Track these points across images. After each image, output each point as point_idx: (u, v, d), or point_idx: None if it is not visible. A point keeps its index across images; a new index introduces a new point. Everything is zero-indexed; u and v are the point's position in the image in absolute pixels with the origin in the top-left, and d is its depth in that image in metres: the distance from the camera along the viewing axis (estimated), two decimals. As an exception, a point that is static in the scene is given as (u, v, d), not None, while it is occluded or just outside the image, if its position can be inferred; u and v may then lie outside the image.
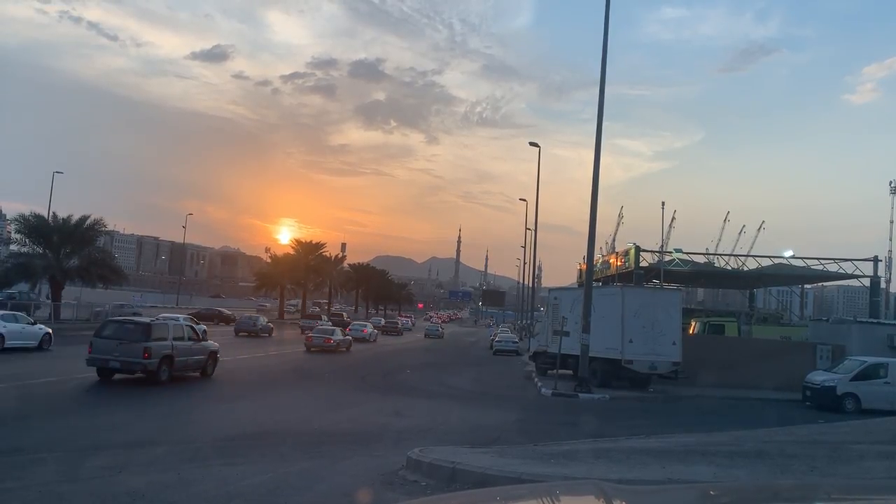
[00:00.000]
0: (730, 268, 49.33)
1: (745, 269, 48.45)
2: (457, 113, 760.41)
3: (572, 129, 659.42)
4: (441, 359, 39.25)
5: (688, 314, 38.49)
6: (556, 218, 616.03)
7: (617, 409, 20.29)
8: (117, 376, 18.22)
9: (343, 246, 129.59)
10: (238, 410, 15.99)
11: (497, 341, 48.94)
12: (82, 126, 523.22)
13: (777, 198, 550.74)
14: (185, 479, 8.60)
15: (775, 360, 27.00)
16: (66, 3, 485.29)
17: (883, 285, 56.59)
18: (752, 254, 60.54)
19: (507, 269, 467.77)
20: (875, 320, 37.23)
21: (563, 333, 22.74)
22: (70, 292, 43.27)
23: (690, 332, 35.47)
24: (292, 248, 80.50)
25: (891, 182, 79.31)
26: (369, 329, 49.18)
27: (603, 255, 63.31)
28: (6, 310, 28.23)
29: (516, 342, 48.92)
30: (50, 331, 26.64)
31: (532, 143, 46.04)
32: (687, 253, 48.85)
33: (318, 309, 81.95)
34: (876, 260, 44.22)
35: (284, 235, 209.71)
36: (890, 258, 76.67)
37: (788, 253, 49.09)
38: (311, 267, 75.88)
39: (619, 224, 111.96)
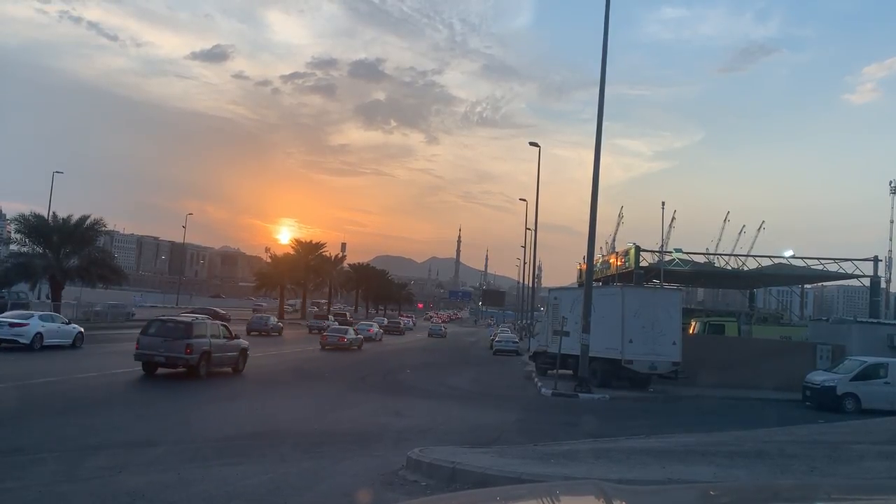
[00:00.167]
0: (730, 268, 49.33)
1: (745, 269, 48.44)
2: (457, 113, 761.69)
3: (572, 129, 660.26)
4: (441, 358, 39.28)
5: (688, 314, 38.48)
6: (556, 218, 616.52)
7: (617, 409, 20.29)
8: (160, 371, 19.87)
9: (343, 246, 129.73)
10: (271, 406, 17.06)
11: (497, 341, 48.92)
12: (82, 126, 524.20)
13: (777, 198, 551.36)
14: (217, 475, 8.63)
15: (775, 360, 27.00)
16: (66, 3, 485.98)
17: (883, 285, 56.57)
18: (752, 254, 60.61)
19: (507, 269, 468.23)
20: (875, 320, 37.26)
21: (563, 333, 22.74)
22: (70, 292, 43.26)
23: (690, 332, 35.45)
24: (292, 248, 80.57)
25: (891, 182, 79.51)
26: (375, 329, 51.79)
27: (603, 255, 63.31)
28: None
29: (516, 342, 48.91)
30: (82, 330, 28.04)
31: (532, 143, 46.08)
32: (687, 253, 48.86)
33: (316, 309, 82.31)
34: (876, 260, 44.23)
35: (284, 235, 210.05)
36: (890, 258, 76.76)
37: (788, 253, 49.13)
38: (311, 267, 75.92)
39: (619, 224, 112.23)
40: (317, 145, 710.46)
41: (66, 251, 40.85)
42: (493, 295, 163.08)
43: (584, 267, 31.32)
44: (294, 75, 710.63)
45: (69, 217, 41.68)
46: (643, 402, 22.48)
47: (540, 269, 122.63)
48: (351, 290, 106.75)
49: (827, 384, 22.15)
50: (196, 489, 8.17)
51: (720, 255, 59.16)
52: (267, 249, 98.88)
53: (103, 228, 44.37)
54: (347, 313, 77.54)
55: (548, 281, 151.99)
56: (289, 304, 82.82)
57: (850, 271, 43.65)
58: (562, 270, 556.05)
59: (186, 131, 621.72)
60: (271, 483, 8.70)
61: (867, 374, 22.13)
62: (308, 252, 77.97)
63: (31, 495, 7.74)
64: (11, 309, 33.42)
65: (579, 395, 21.61)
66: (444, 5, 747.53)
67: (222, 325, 22.89)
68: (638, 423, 16.73)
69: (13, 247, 45.37)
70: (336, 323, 50.09)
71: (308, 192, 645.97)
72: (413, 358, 37.68)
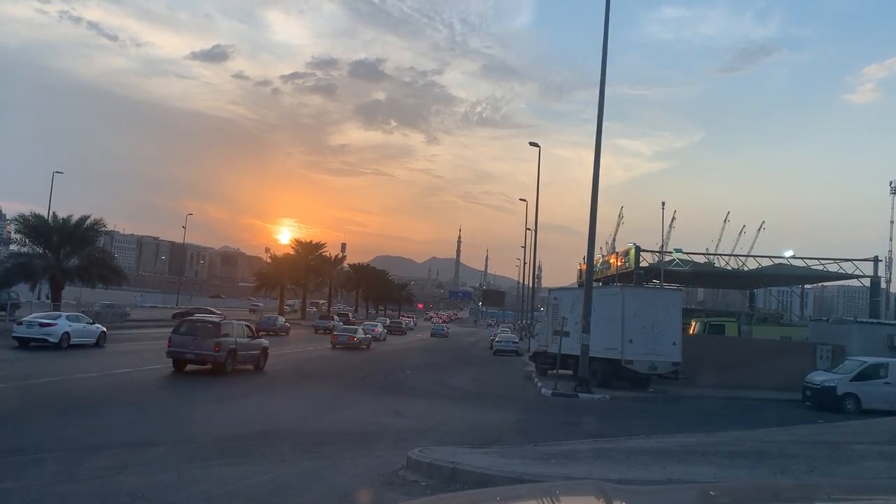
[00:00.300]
0: (730, 268, 49.33)
1: (745, 269, 48.44)
2: (457, 113, 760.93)
3: (572, 129, 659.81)
4: (442, 358, 39.41)
5: (688, 314, 38.48)
6: (556, 218, 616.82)
7: (617, 410, 20.29)
8: (189, 367, 21.36)
9: (343, 246, 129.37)
10: (291, 402, 18.38)
11: (497, 341, 48.95)
12: (82, 126, 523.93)
13: (777, 198, 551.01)
14: (217, 475, 8.62)
15: (775, 360, 27.01)
16: (66, 3, 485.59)
17: (883, 285, 56.53)
18: (752, 254, 60.60)
19: (507, 269, 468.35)
20: (875, 320, 37.25)
21: (563, 333, 22.75)
22: (70, 292, 43.25)
23: (690, 332, 35.46)
24: (292, 248, 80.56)
25: (891, 182, 79.39)
26: (380, 329, 52.93)
27: (603, 255, 63.32)
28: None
29: (516, 342, 48.93)
30: (104, 329, 29.27)
31: (532, 143, 46.11)
32: (687, 253, 48.87)
33: (315, 309, 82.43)
34: (876, 260, 44.24)
35: (284, 235, 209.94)
36: (890, 258, 76.69)
37: (788, 253, 49.12)
38: (311, 267, 75.90)
39: (619, 224, 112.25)
40: (317, 145, 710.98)
41: (66, 251, 40.82)
42: (493, 295, 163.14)
43: (584, 267, 31.32)
44: (294, 75, 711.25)
45: (69, 217, 41.67)
46: (643, 403, 22.48)
47: (540, 269, 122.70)
48: (351, 291, 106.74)
49: (827, 384, 22.15)
50: (207, 486, 8.19)
51: (720, 255, 59.19)
52: (267, 249, 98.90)
53: (103, 228, 44.35)
54: (349, 314, 78.19)
55: (548, 281, 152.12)
56: (287, 305, 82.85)
57: (850, 271, 43.66)
58: (562, 270, 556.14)
59: (186, 131, 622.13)
60: (271, 483, 8.70)
61: (867, 374, 22.13)
62: (308, 252, 77.95)
63: (83, 488, 7.77)
64: (5, 309, 33.47)
65: (579, 395, 21.61)
66: (444, 5, 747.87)
67: (246, 325, 24.28)
68: (638, 423, 16.73)
69: (13, 247, 45.39)
70: (341, 323, 52.35)
71: (308, 192, 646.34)
72: (417, 357, 38.36)
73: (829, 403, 21.68)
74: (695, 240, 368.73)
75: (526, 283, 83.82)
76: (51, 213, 43.68)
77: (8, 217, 71.40)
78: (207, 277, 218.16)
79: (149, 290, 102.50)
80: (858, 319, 35.03)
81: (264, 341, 24.67)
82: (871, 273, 43.57)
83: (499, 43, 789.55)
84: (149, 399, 16.58)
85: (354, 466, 10.12)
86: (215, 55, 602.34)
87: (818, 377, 23.05)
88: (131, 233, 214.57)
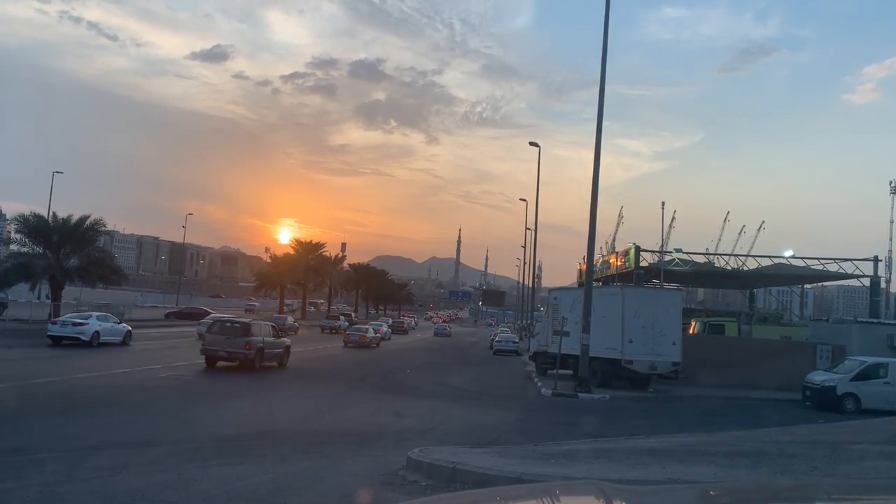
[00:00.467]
0: (730, 268, 49.34)
1: (745, 269, 48.46)
2: (457, 113, 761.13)
3: (572, 129, 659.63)
4: (443, 358, 39.46)
5: (688, 314, 38.49)
6: (556, 218, 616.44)
7: (617, 409, 20.29)
8: (220, 364, 23.08)
9: (343, 246, 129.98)
10: (314, 396, 19.67)
11: (497, 341, 48.95)
12: (82, 126, 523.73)
13: (777, 198, 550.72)
14: (216, 475, 8.62)
15: (775, 360, 27.02)
16: (66, 3, 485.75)
17: (883, 285, 56.60)
18: (752, 254, 60.63)
19: (507, 269, 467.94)
20: (875, 320, 37.25)
21: (563, 333, 22.74)
22: (70, 292, 43.24)
23: (690, 332, 35.46)
24: (292, 248, 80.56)
25: (891, 182, 79.71)
26: (385, 328, 54.51)
27: (603, 255, 63.32)
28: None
29: (516, 342, 48.93)
30: (130, 328, 30.56)
31: (532, 143, 46.09)
32: (687, 253, 48.87)
33: (313, 309, 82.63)
34: (876, 260, 44.24)
35: (284, 235, 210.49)
36: (890, 258, 76.87)
37: (788, 253, 49.14)
38: (311, 267, 75.90)
39: (619, 224, 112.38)
40: (317, 145, 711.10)
41: (66, 251, 40.81)
42: (493, 295, 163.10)
43: (584, 267, 31.33)
44: (294, 75, 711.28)
45: (69, 217, 41.65)
46: (643, 402, 22.48)
47: (540, 269, 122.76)
48: (351, 291, 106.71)
49: (827, 384, 22.15)
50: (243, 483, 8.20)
51: (720, 255, 59.25)
52: (267, 249, 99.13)
53: (103, 228, 44.33)
54: (351, 314, 78.90)
55: (548, 281, 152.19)
56: (285, 305, 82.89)
57: (850, 271, 43.67)
58: (562, 270, 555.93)
59: (186, 131, 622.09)
60: (271, 483, 8.70)
61: (867, 374, 22.13)
62: (308, 252, 77.95)
63: (139, 483, 7.79)
64: None
65: (579, 395, 21.61)
66: (444, 5, 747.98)
67: (271, 325, 26.21)
68: (638, 423, 16.73)
69: (13, 247, 45.37)
70: (347, 322, 56.33)
71: (308, 192, 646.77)
72: (420, 357, 39.25)
73: (829, 403, 21.68)
74: (695, 240, 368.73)
75: (526, 282, 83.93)
76: (51, 213, 43.69)
77: (8, 217, 71.35)
78: (207, 277, 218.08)
79: (149, 289, 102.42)
80: (858, 319, 35.01)
81: (287, 340, 26.54)
82: (871, 273, 43.59)
83: (499, 43, 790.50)
84: (191, 393, 18.26)
85: (354, 466, 10.12)
86: (215, 55, 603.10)
87: (818, 377, 23.05)
88: (131, 233, 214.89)
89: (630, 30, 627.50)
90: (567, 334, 22.73)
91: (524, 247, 73.74)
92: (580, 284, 44.17)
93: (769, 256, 48.76)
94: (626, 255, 48.90)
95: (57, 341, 26.93)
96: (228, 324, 24.24)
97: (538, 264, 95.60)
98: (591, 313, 22.64)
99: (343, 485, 8.91)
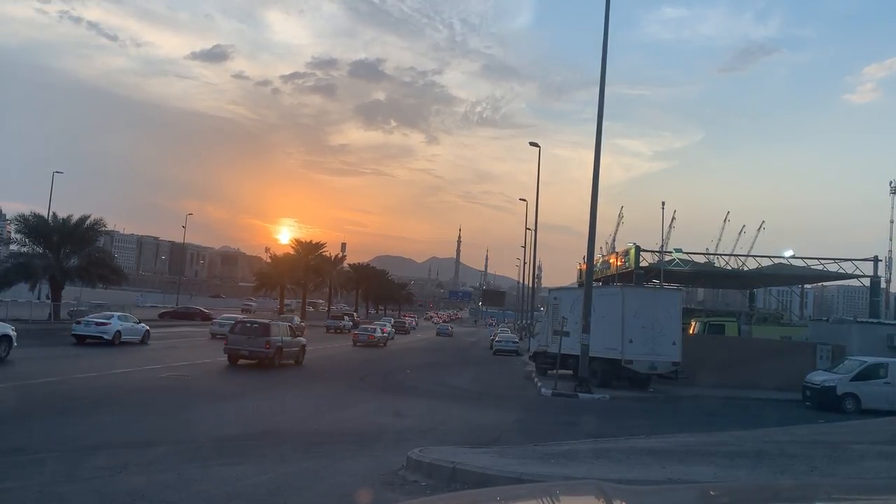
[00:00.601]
0: (730, 268, 49.32)
1: (745, 269, 48.42)
2: (457, 113, 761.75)
3: (572, 129, 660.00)
4: (443, 358, 39.52)
5: (688, 314, 38.47)
6: (556, 218, 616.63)
7: (617, 409, 20.28)
8: (241, 361, 24.49)
9: (343, 246, 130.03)
10: (315, 395, 20.19)
11: (497, 341, 48.94)
12: (82, 126, 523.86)
13: (777, 198, 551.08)
14: (216, 475, 8.62)
15: (775, 360, 27.01)
16: (66, 3, 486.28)
17: (883, 285, 56.59)
18: (752, 254, 60.63)
19: (507, 269, 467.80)
20: (875, 320, 37.21)
21: (563, 333, 22.72)
22: (70, 292, 43.26)
23: (690, 332, 35.45)
24: (292, 248, 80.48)
25: (891, 182, 79.68)
26: (388, 328, 55.58)
27: (603, 255, 63.30)
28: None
29: (516, 342, 48.91)
30: (148, 328, 31.73)
31: (532, 143, 46.06)
32: (687, 253, 48.84)
33: (312, 309, 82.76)
34: (876, 260, 44.21)
35: (284, 235, 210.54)
36: (890, 258, 76.85)
37: (788, 253, 49.09)
38: (311, 267, 75.85)
39: (619, 224, 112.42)
40: (317, 145, 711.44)
41: (66, 251, 40.84)
42: (493, 295, 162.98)
43: (584, 267, 31.33)
44: (294, 75, 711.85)
45: (69, 217, 41.69)
46: (643, 402, 22.47)
47: (540, 269, 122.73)
48: (351, 291, 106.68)
49: (827, 384, 22.15)
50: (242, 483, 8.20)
51: (720, 255, 59.24)
52: (267, 249, 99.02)
53: (103, 228, 44.36)
54: (355, 314, 79.86)
55: (548, 281, 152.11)
56: (284, 305, 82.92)
57: (850, 271, 43.65)
58: (562, 270, 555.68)
59: (186, 131, 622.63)
60: (271, 483, 8.70)
61: (867, 374, 22.12)
62: (308, 252, 77.90)
63: (173, 478, 7.80)
64: None
65: (579, 395, 21.60)
66: (444, 5, 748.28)
67: (288, 325, 27.84)
68: (638, 423, 16.72)
69: (13, 247, 45.37)
70: (350, 322, 59.74)
71: (308, 192, 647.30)
72: (423, 357, 39.79)
73: (829, 403, 21.67)
74: (695, 240, 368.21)
75: (526, 283, 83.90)
76: (51, 213, 43.71)
77: (8, 217, 71.34)
78: (207, 277, 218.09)
79: (149, 289, 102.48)
80: (858, 319, 34.99)
81: (303, 339, 27.96)
82: (871, 273, 43.57)
83: (499, 43, 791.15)
84: (222, 387, 20.06)
85: (354, 466, 10.12)
86: (215, 55, 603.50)
87: (818, 377, 23.04)
88: (131, 233, 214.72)
89: (630, 30, 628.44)
90: (567, 334, 22.72)
91: (524, 247, 73.82)
92: (580, 284, 44.16)
93: (769, 256, 48.75)
94: (626, 255, 48.88)
95: (80, 340, 28.30)
96: (249, 324, 25.98)
97: (538, 264, 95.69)
98: (591, 313, 22.63)
99: (343, 485, 8.91)
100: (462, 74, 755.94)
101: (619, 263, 50.34)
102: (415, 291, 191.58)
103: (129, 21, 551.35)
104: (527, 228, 66.88)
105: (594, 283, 27.86)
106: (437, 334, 73.64)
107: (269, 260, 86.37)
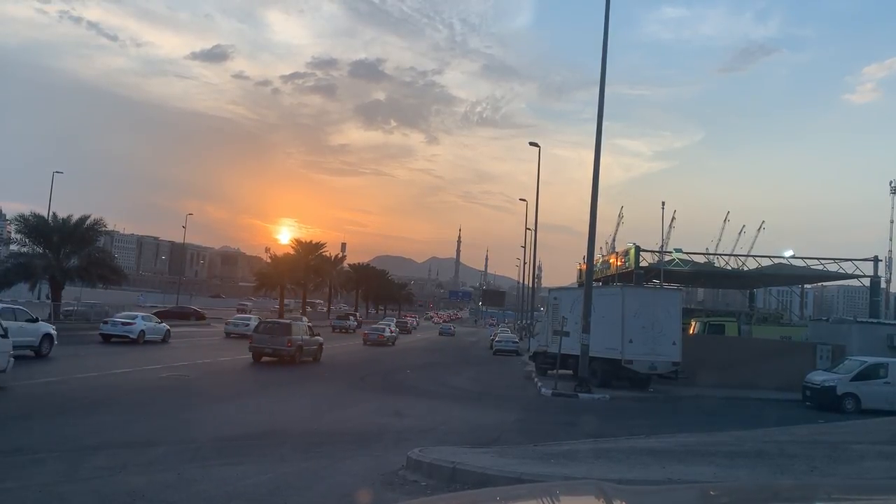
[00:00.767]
0: (730, 268, 49.34)
1: (745, 269, 48.45)
2: (457, 113, 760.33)
3: (572, 129, 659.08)
4: (444, 358, 39.58)
5: (688, 314, 38.48)
6: (556, 218, 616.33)
7: (617, 409, 20.29)
8: (264, 359, 26.29)
9: (343, 246, 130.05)
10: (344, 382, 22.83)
11: (497, 341, 48.95)
12: (82, 126, 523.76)
13: (777, 198, 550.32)
14: (216, 475, 8.62)
15: (775, 360, 27.01)
16: (66, 3, 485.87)
17: (883, 285, 56.62)
18: (752, 254, 60.61)
19: (507, 269, 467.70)
20: (875, 320, 37.24)
21: (563, 333, 22.73)
22: (70, 292, 43.23)
23: (690, 332, 35.45)
24: (292, 248, 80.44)
25: (891, 182, 79.71)
26: (393, 328, 56.96)
27: (603, 255, 63.32)
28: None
29: (516, 342, 48.91)
30: (168, 327, 33.44)
31: (532, 143, 46.10)
32: (687, 253, 48.86)
33: (310, 309, 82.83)
34: (876, 260, 44.23)
35: (284, 235, 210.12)
36: (890, 258, 76.88)
37: (788, 253, 49.10)
38: (311, 267, 75.83)
39: (619, 224, 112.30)
40: (317, 145, 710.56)
41: (66, 251, 40.78)
42: (493, 295, 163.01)
43: (584, 267, 31.34)
44: (294, 75, 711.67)
45: (69, 217, 41.63)
46: (643, 402, 22.48)
47: (540, 269, 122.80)
48: (351, 291, 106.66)
49: (827, 384, 22.15)
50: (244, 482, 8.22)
51: (720, 255, 59.24)
52: (267, 249, 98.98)
53: (103, 228, 44.27)
54: (358, 314, 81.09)
55: (548, 281, 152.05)
56: (284, 305, 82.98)
57: (850, 271, 43.66)
58: (562, 270, 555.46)
59: (186, 131, 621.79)
60: (271, 483, 8.70)
61: (867, 374, 22.12)
62: (308, 252, 77.88)
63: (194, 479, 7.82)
64: None
65: (579, 395, 21.60)
66: (444, 5, 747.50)
67: (308, 325, 29.58)
68: (638, 423, 16.72)
69: (13, 247, 45.35)
70: (356, 323, 63.81)
71: (308, 192, 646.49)
72: (427, 356, 40.32)
73: (829, 403, 21.68)
74: (695, 240, 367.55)
75: (526, 283, 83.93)
76: (51, 213, 43.63)
77: (8, 217, 71.34)
78: (207, 277, 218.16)
79: (149, 289, 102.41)
80: (858, 319, 35.01)
81: (320, 338, 29.52)
82: (871, 273, 43.59)
83: (499, 43, 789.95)
84: (254, 381, 22.26)
85: (354, 466, 10.11)
86: (215, 55, 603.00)
87: (818, 377, 23.05)
88: (131, 233, 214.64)
89: (630, 30, 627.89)
90: (567, 334, 22.72)
91: (524, 247, 73.82)
92: (580, 284, 44.17)
93: (769, 256, 48.77)
94: (626, 255, 48.90)
95: (106, 339, 30.12)
96: (273, 324, 28.14)
97: (538, 264, 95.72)
98: (591, 313, 22.63)
99: (343, 484, 8.91)
100: (462, 74, 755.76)
101: (619, 263, 50.35)
102: (415, 291, 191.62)
103: (129, 21, 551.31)
104: (527, 228, 67.00)
105: (594, 283, 27.87)
106: (440, 334, 74.84)
107: (269, 260, 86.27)
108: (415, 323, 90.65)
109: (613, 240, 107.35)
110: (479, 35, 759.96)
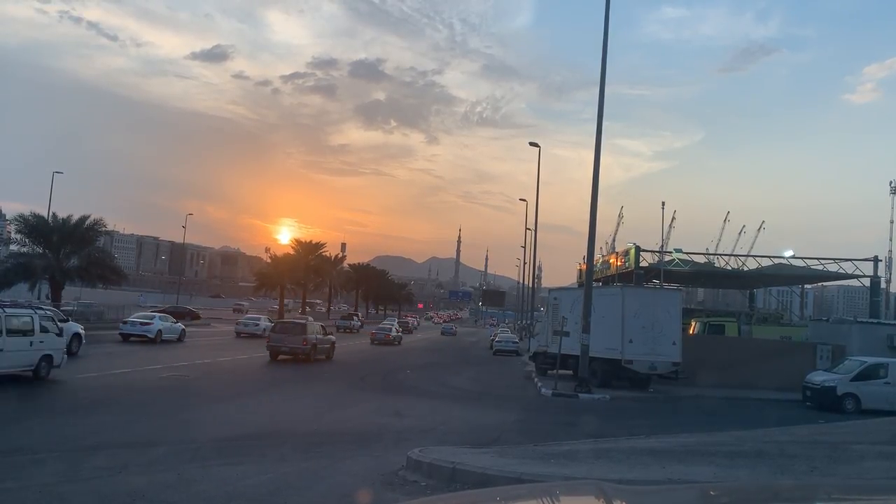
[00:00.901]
0: (730, 268, 49.28)
1: (745, 269, 48.38)
2: (457, 113, 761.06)
3: (572, 129, 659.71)
4: (444, 358, 39.61)
5: (688, 314, 38.45)
6: (556, 218, 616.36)
7: (617, 409, 20.28)
8: (280, 357, 27.74)
9: (343, 246, 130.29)
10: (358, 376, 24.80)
11: (497, 341, 48.90)
12: (82, 126, 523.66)
13: (777, 198, 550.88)
14: (215, 476, 8.62)
15: (775, 360, 27.00)
16: (66, 3, 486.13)
17: (883, 285, 56.53)
18: (752, 254, 60.59)
19: (507, 269, 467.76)
20: (875, 320, 37.19)
21: (563, 333, 22.71)
22: (70, 292, 43.20)
23: (690, 332, 35.43)
24: (292, 248, 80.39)
25: (891, 182, 79.81)
26: (398, 327, 58.92)
27: (603, 255, 63.27)
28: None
29: (516, 342, 48.88)
30: (183, 327, 35.21)
31: (532, 143, 46.07)
32: (687, 253, 48.78)
33: (310, 309, 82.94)
34: (876, 260, 44.17)
35: (284, 235, 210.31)
36: (890, 258, 76.91)
37: (788, 253, 49.04)
38: (311, 267, 75.80)
39: (619, 224, 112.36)
40: (317, 145, 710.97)
41: (66, 251, 40.73)
42: (493, 295, 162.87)
43: (584, 267, 31.32)
44: (294, 75, 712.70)
45: (69, 217, 41.57)
46: (643, 403, 22.47)
47: (540, 269, 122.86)
48: (351, 291, 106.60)
49: (827, 384, 22.14)
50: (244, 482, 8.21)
51: (720, 255, 59.18)
52: (267, 249, 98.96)
53: (103, 228, 44.20)
54: (360, 314, 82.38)
55: (548, 281, 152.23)
56: (275, 305, 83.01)
57: (850, 271, 43.60)
58: (562, 270, 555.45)
59: (186, 131, 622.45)
60: (271, 483, 8.70)
61: (867, 374, 22.11)
62: (308, 252, 77.84)
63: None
64: None
65: (579, 395, 21.60)
66: (444, 5, 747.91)
67: (321, 325, 31.34)
68: (638, 423, 16.72)
69: (13, 247, 45.31)
70: (360, 323, 66.91)
71: (308, 192, 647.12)
72: (428, 356, 40.70)
73: (829, 403, 21.66)
74: (695, 240, 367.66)
75: (526, 283, 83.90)
76: (51, 213, 43.57)
77: (8, 217, 71.25)
78: (207, 277, 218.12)
79: (149, 289, 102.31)
80: (858, 319, 34.97)
81: (332, 337, 31.29)
82: (871, 273, 43.52)
83: (499, 43, 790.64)
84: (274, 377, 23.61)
85: (354, 466, 10.11)
86: (215, 55, 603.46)
87: (818, 377, 23.04)
88: (131, 233, 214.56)
89: (630, 30, 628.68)
90: (567, 334, 22.71)
91: (524, 247, 73.79)
92: (580, 284, 44.15)
93: (769, 256, 48.70)
94: (626, 255, 48.85)
95: (125, 338, 31.34)
96: (289, 324, 29.90)
97: (538, 264, 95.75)
98: (591, 313, 22.62)
99: (343, 485, 8.91)
100: (462, 74, 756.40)
101: (619, 263, 50.31)
102: (415, 291, 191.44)
103: (129, 21, 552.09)
104: (527, 228, 66.96)
105: (594, 283, 27.86)
106: (442, 333, 75.96)
107: (269, 260, 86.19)
108: (415, 323, 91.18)
109: (613, 240, 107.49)
110: (479, 35, 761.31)
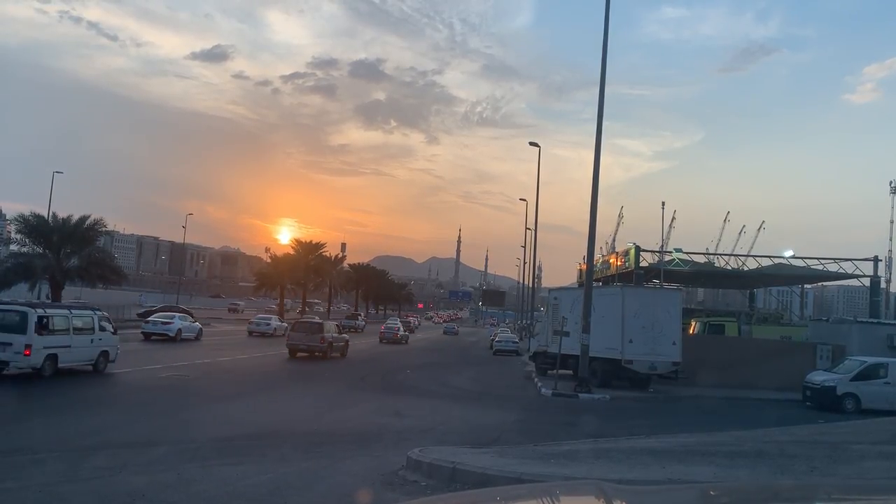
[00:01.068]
0: (730, 268, 49.26)
1: (745, 269, 48.37)
2: (457, 113, 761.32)
3: (572, 129, 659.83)
4: (444, 358, 39.62)
5: (688, 314, 38.44)
6: (556, 218, 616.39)
7: (617, 409, 20.28)
8: (299, 355, 29.65)
9: (343, 246, 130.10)
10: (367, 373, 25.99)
11: (497, 341, 48.92)
12: (82, 126, 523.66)
13: (777, 198, 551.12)
14: (215, 475, 8.64)
15: (775, 360, 26.99)
16: (66, 3, 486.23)
17: (883, 285, 56.53)
18: (752, 254, 60.53)
19: (507, 269, 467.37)
20: (875, 320, 37.16)
21: (563, 333, 22.71)
22: (70, 292, 43.20)
23: (690, 332, 35.42)
24: (292, 248, 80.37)
25: (891, 182, 79.58)
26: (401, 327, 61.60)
27: (603, 255, 63.25)
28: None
29: (516, 342, 48.89)
30: (201, 326, 36.84)
31: (532, 143, 46.06)
32: (687, 253, 48.77)
33: (310, 310, 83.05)
34: (876, 260, 44.17)
35: (284, 235, 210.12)
36: (890, 258, 76.82)
37: (788, 253, 49.03)
38: (311, 267, 75.78)
39: (619, 224, 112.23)
40: (317, 145, 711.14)
41: (66, 251, 40.69)
42: (493, 295, 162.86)
43: (584, 267, 31.32)
44: (294, 75, 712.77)
45: (69, 217, 41.52)
46: (643, 402, 22.47)
47: (540, 269, 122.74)
48: (351, 291, 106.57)
49: (827, 384, 22.14)
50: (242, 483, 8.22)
51: (720, 255, 59.12)
52: (267, 249, 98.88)
53: (103, 228, 44.14)
54: (361, 314, 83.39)
55: (548, 281, 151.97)
56: (274, 305, 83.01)
57: (850, 271, 43.59)
58: (562, 270, 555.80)
59: (186, 131, 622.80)
60: (271, 483, 8.70)
61: (867, 374, 22.11)
62: (308, 252, 77.81)
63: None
64: None
65: (579, 395, 21.60)
66: (444, 5, 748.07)
67: (336, 324, 34.15)
68: (638, 423, 16.72)
69: (13, 247, 45.28)
70: (364, 322, 69.85)
71: (308, 192, 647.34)
72: (428, 356, 40.70)
73: (829, 403, 21.66)
74: (695, 240, 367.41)
75: (526, 282, 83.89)
76: (51, 213, 43.51)
77: (8, 217, 71.21)
78: (207, 277, 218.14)
79: (149, 289, 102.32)
80: (858, 319, 34.96)
81: (346, 336, 33.43)
82: (871, 273, 43.50)
83: (499, 43, 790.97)
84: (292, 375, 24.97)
85: (354, 466, 10.11)
86: (215, 55, 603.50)
87: (818, 377, 23.04)
88: (131, 233, 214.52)
89: (630, 30, 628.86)
90: (567, 334, 22.70)
91: (524, 247, 73.77)
92: (580, 284, 44.15)
93: (769, 256, 48.69)
94: (626, 255, 48.84)
95: (147, 337, 32.92)
96: (307, 323, 31.75)
97: (538, 264, 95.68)
98: (591, 313, 22.62)
99: (343, 484, 8.91)
100: (462, 74, 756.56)
101: (619, 263, 50.30)
102: (415, 291, 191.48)
103: (129, 21, 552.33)
104: (527, 228, 66.96)
105: (594, 283, 27.85)
106: (444, 333, 77.85)
107: (269, 260, 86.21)
108: (416, 323, 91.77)
109: (613, 240, 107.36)
110: (479, 35, 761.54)
